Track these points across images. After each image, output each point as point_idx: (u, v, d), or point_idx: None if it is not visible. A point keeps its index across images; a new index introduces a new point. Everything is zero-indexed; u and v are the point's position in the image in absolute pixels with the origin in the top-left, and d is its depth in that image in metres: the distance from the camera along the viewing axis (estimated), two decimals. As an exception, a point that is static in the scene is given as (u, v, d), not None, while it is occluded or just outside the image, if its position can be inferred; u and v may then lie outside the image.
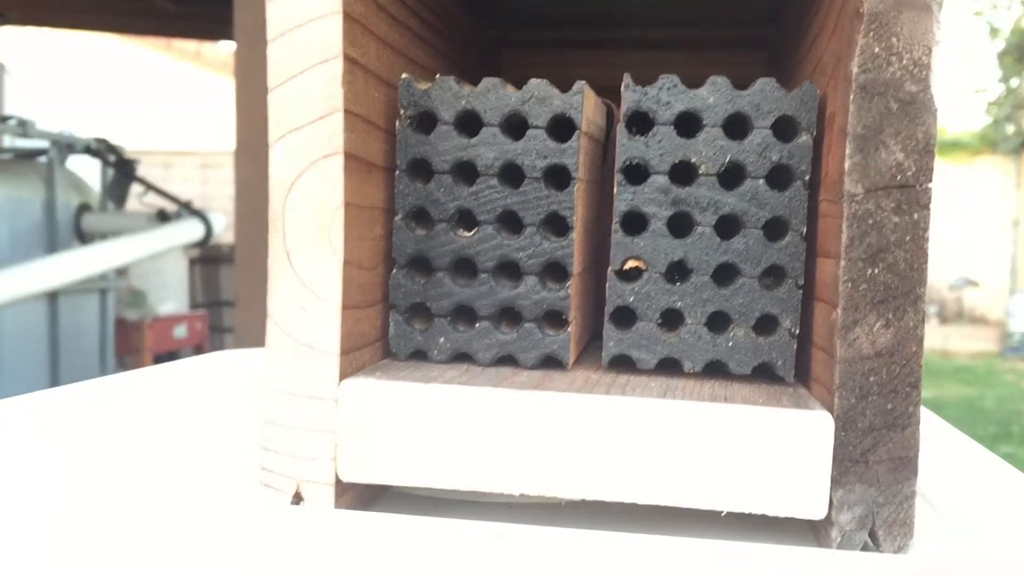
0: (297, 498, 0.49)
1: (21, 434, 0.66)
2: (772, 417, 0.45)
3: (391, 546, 0.44)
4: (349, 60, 0.48)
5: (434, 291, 0.54)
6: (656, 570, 0.41)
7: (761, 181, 0.51)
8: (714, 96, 0.51)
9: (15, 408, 0.74)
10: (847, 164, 0.44)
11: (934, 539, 0.48)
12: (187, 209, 4.00)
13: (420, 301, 0.54)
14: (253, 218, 2.70)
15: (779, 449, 0.45)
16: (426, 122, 0.53)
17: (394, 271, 0.54)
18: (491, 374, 0.52)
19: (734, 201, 0.51)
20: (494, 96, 0.53)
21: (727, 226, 0.52)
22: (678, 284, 0.52)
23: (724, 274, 0.52)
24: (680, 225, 0.52)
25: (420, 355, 0.54)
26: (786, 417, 0.45)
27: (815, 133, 0.51)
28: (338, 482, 0.49)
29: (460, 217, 0.54)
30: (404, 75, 0.53)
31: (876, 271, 0.44)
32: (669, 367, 0.53)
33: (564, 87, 0.52)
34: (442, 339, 0.54)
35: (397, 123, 0.53)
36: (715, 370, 0.52)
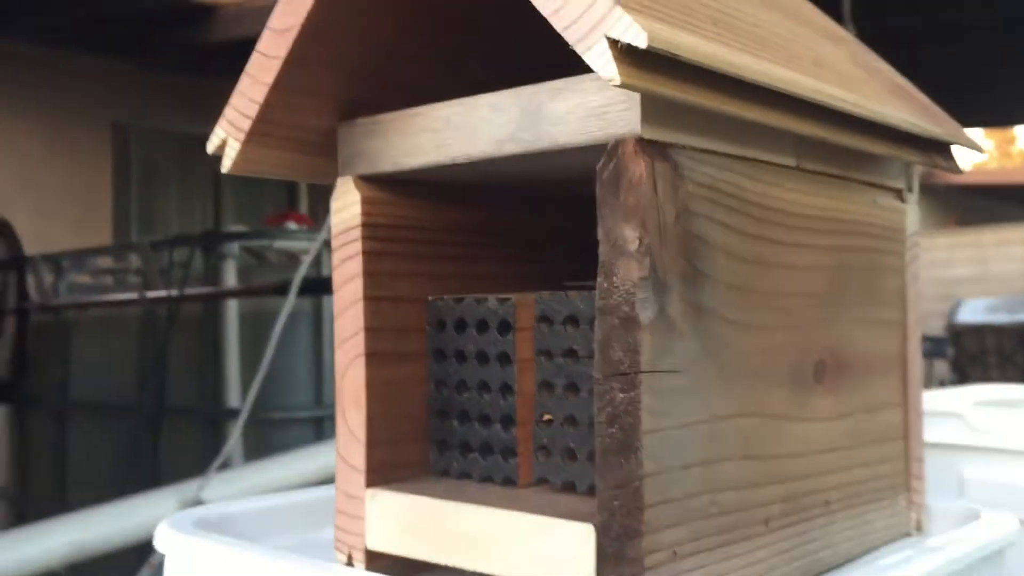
0: (349, 560, 0.82)
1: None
2: (559, 525, 0.69)
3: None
4: (373, 299, 0.82)
5: (449, 432, 0.84)
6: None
7: (612, 361, 0.74)
8: (583, 304, 0.76)
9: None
10: (595, 359, 0.68)
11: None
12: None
13: (443, 438, 0.85)
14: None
15: (566, 545, 0.69)
16: (439, 325, 0.85)
17: (430, 418, 0.86)
18: (471, 488, 0.81)
19: (600, 374, 0.75)
20: (471, 309, 0.83)
21: (598, 391, 0.75)
22: (571, 430, 0.77)
23: (598, 424, 0.75)
24: (572, 390, 0.77)
25: (445, 473, 0.85)
26: (567, 526, 0.69)
27: (641, 327, 0.73)
28: (367, 551, 0.81)
29: (460, 384, 0.84)
30: (429, 297, 0.86)
31: (613, 430, 0.67)
32: (571, 487, 0.77)
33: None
34: (454, 463, 0.84)
35: (427, 326, 0.86)
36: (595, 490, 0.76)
